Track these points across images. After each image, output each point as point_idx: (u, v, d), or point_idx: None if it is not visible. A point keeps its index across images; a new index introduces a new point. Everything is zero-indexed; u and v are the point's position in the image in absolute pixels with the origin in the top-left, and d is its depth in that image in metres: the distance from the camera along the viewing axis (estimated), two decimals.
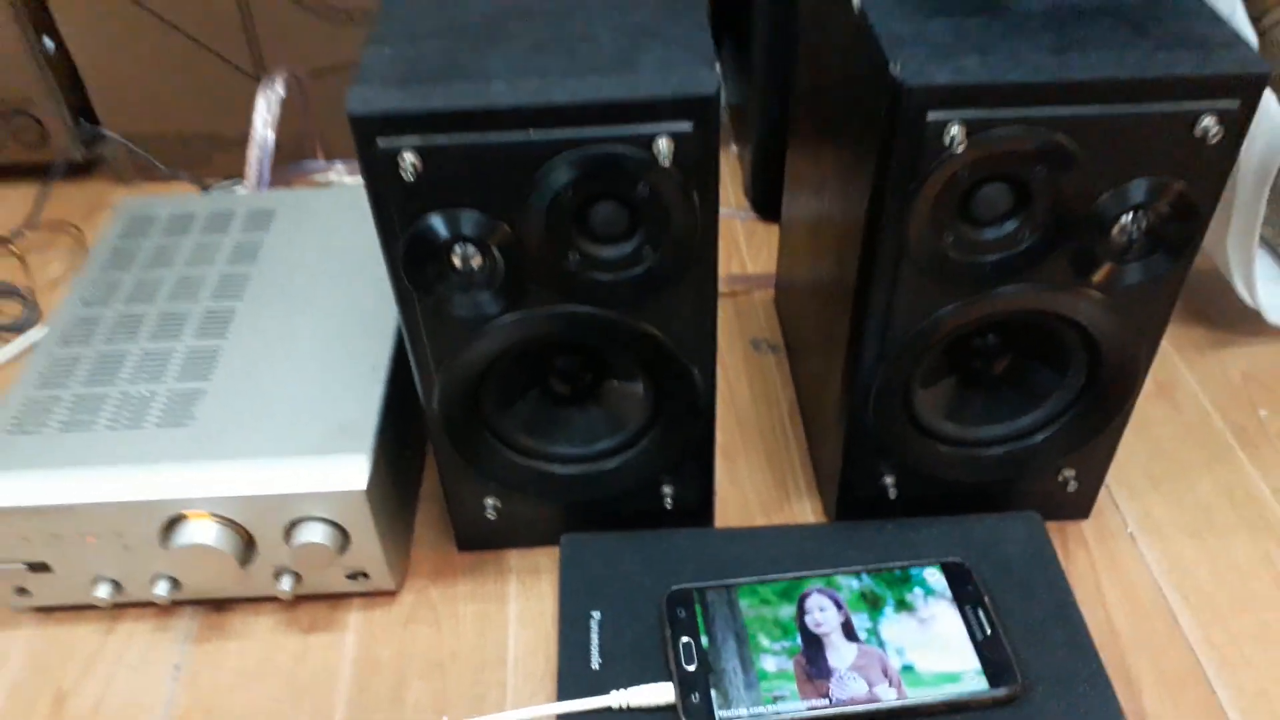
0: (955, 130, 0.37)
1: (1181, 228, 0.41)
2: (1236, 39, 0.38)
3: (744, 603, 0.45)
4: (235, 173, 0.79)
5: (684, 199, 0.38)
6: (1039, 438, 0.48)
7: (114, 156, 0.80)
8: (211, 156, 0.80)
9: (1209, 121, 0.38)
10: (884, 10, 0.40)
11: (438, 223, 0.38)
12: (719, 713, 0.41)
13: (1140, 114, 0.38)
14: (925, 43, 0.38)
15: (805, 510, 0.54)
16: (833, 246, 0.47)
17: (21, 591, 0.48)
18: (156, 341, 0.52)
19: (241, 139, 0.78)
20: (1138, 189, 0.40)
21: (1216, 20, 0.40)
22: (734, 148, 0.84)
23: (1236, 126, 0.38)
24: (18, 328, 0.67)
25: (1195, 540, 0.51)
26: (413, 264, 0.39)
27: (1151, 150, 0.38)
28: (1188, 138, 0.38)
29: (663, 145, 0.36)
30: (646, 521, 0.49)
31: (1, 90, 0.75)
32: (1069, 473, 0.50)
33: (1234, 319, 0.65)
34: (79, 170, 0.81)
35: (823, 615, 0.44)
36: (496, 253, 0.39)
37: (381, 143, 0.36)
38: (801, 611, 0.44)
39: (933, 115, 0.37)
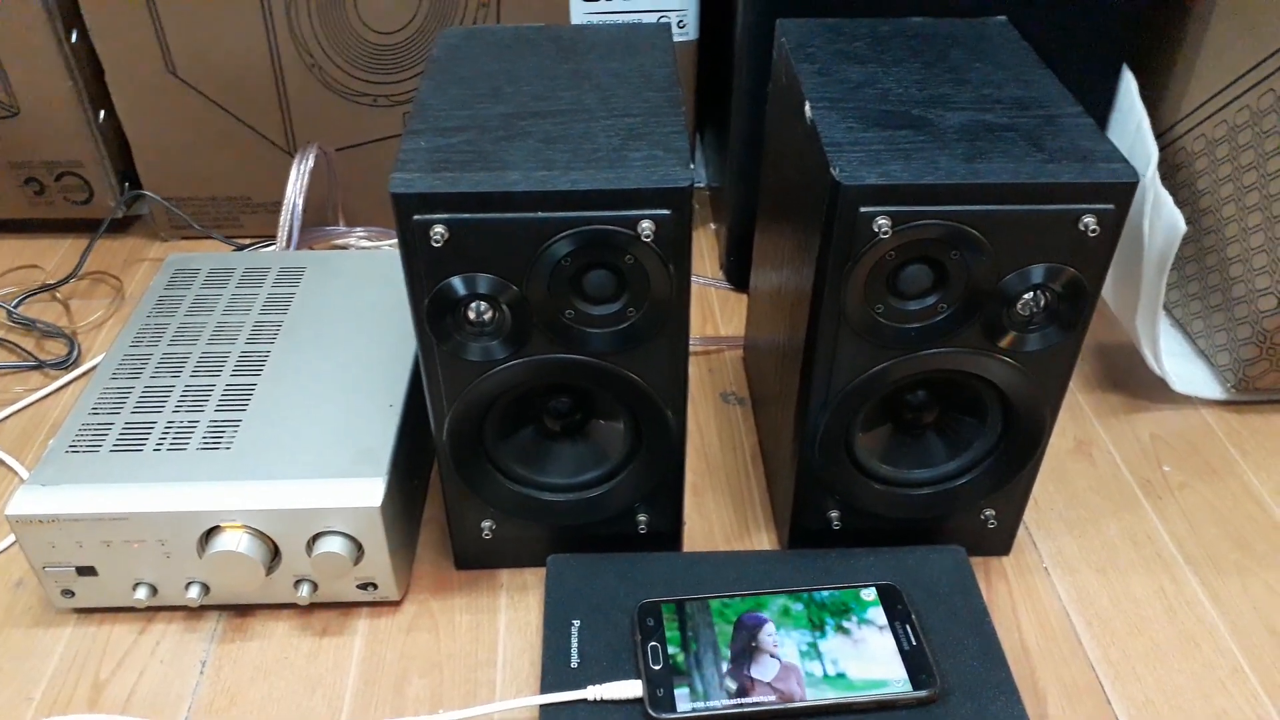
0: (882, 221, 0.45)
1: (1072, 305, 0.49)
2: (1115, 153, 0.47)
3: (713, 616, 0.52)
4: (262, 233, 0.87)
5: (662, 270, 0.46)
6: (962, 481, 0.56)
7: (152, 215, 0.88)
8: (240, 218, 0.88)
9: (1089, 220, 0.46)
10: (830, 122, 0.49)
11: (458, 283, 0.46)
12: (686, 704, 0.47)
13: (1034, 212, 0.46)
14: (861, 150, 0.47)
15: (763, 540, 0.61)
16: (787, 313, 0.56)
17: (67, 593, 0.54)
18: (198, 377, 0.59)
19: (269, 204, 0.87)
20: (1036, 272, 0.48)
21: (1101, 137, 0.49)
22: (713, 225, 0.93)
23: (1112, 224, 0.47)
24: (63, 365, 0.74)
25: (1100, 575, 0.59)
26: (435, 316, 0.47)
27: (1045, 241, 0.47)
28: (1074, 232, 0.46)
29: (646, 226, 0.44)
30: (623, 545, 0.56)
31: (56, 153, 0.84)
32: (989, 512, 0.57)
33: (1145, 387, 0.73)
34: (119, 226, 0.90)
35: (764, 639, 0.51)
36: (505, 308, 0.47)
37: (416, 217, 0.44)
38: (742, 633, 0.51)
39: (864, 209, 0.45)
